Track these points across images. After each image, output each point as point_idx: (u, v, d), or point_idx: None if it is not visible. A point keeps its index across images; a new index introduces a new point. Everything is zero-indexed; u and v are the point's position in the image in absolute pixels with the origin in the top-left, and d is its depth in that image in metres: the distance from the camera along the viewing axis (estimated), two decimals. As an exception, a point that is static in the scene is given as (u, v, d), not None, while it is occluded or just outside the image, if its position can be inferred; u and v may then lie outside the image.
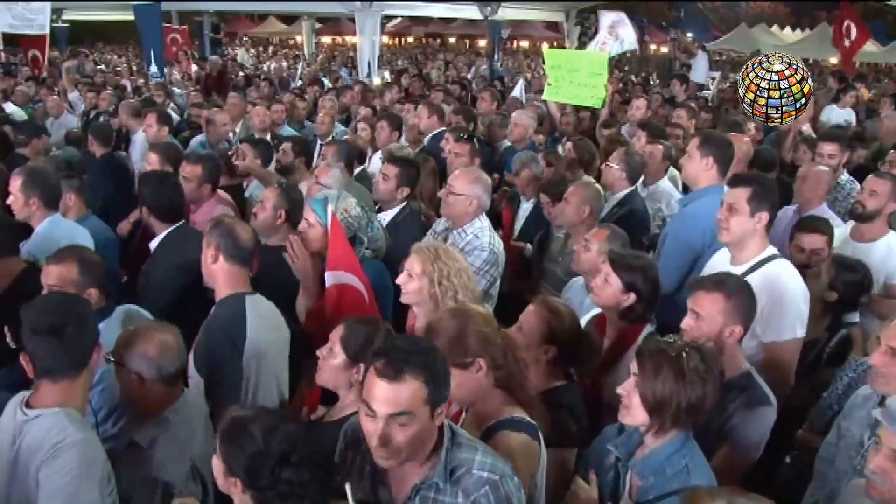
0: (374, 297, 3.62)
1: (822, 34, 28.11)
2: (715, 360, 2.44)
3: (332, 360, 2.80)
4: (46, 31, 11.27)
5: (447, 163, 5.73)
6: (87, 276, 3.21)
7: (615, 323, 3.29)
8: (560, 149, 6.61)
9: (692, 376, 2.32)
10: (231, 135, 7.69)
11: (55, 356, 2.42)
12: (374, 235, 3.96)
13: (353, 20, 18.53)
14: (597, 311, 3.47)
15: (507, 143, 7.35)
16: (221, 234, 3.30)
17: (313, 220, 3.77)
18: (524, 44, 40.36)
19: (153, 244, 4.17)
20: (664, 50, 30.60)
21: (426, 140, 7.05)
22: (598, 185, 4.68)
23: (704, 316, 2.87)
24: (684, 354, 2.34)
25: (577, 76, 7.72)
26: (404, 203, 4.82)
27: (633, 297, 3.22)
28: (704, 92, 13.06)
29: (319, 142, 7.77)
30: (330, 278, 3.58)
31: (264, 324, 3.30)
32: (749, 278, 3.25)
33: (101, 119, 9.36)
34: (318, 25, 32.08)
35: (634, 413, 2.39)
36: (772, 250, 3.53)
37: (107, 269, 3.44)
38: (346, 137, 7.28)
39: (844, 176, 5.80)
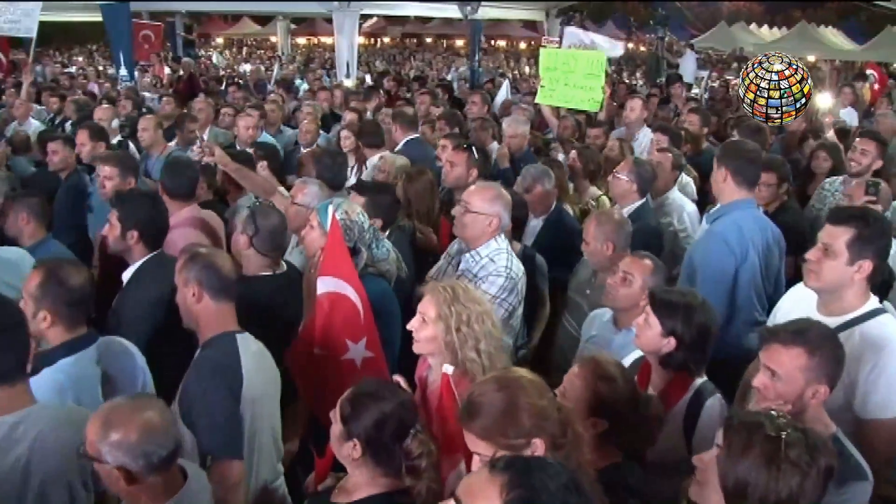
0: (374, 317, 3.18)
1: (801, 32, 28.23)
2: (826, 451, 1.93)
3: (335, 428, 2.37)
4: (34, 34, 10.64)
5: (443, 172, 5.32)
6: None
7: (659, 370, 2.88)
8: (561, 157, 6.18)
9: (789, 466, 1.87)
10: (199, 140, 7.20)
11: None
12: (380, 255, 3.50)
13: (328, 20, 18.06)
14: (639, 353, 3.06)
15: (494, 145, 6.90)
16: (201, 268, 2.87)
17: (315, 223, 3.44)
18: (501, 43, 40.09)
19: (126, 275, 3.67)
20: (642, 49, 30.53)
21: (398, 147, 6.57)
22: (618, 215, 4.20)
23: (782, 375, 2.42)
24: (784, 436, 1.89)
25: (572, 77, 7.34)
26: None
27: (672, 342, 2.81)
28: (693, 91, 12.81)
29: (304, 150, 7.30)
30: (322, 285, 3.16)
31: (257, 366, 2.89)
32: (844, 336, 2.76)
33: (68, 126, 8.88)
34: (293, 26, 31.58)
35: (708, 495, 1.98)
36: (875, 303, 3.00)
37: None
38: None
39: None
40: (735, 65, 22.76)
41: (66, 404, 2.64)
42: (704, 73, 13.89)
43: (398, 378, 2.75)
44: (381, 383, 2.46)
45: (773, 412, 1.96)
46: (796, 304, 3.22)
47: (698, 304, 2.85)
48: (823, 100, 8.28)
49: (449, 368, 2.56)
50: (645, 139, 6.92)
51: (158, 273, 3.51)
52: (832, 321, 2.93)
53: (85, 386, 2.82)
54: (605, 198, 5.65)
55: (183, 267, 2.90)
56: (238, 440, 2.77)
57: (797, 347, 2.41)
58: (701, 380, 2.86)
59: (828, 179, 5.69)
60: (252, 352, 2.91)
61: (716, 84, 14.85)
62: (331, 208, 3.29)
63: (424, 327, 2.80)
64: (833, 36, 28.87)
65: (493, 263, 3.68)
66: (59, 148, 5.95)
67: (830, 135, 6.69)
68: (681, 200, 5.31)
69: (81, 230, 5.43)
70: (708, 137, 7.27)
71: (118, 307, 3.54)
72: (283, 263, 3.72)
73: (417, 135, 6.43)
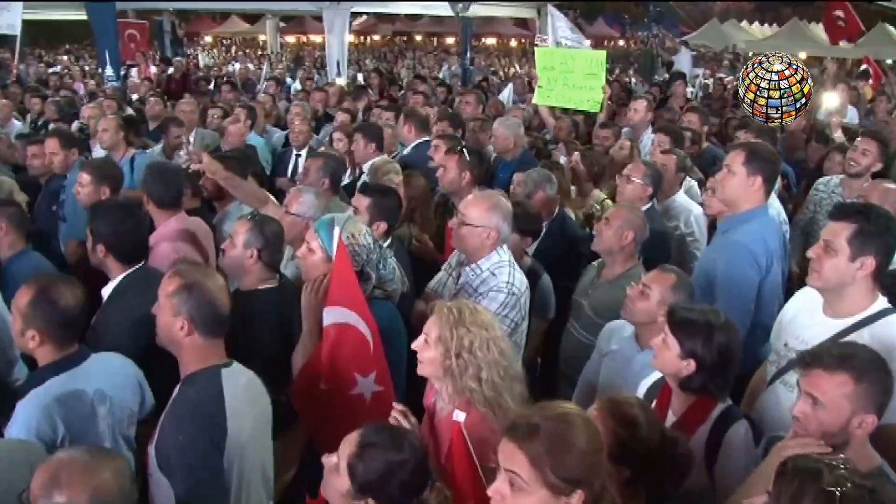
0: (382, 342, 2.97)
1: (792, 29, 28.20)
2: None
3: (336, 481, 2.17)
4: (17, 31, 10.34)
5: (438, 175, 5.12)
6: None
7: (679, 394, 2.69)
8: (563, 159, 5.98)
9: None
10: (185, 145, 6.97)
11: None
12: (387, 275, 3.24)
13: (318, 19, 17.80)
14: (656, 377, 2.87)
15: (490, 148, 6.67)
16: (198, 304, 2.58)
17: (315, 246, 3.13)
18: (492, 41, 39.87)
19: (106, 291, 3.45)
20: (622, 43, 30.41)
21: (407, 150, 6.34)
22: (640, 212, 4.04)
23: (825, 403, 2.21)
24: (841, 493, 1.64)
25: (571, 77, 7.16)
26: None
27: (692, 364, 2.61)
28: (688, 90, 12.63)
29: (295, 153, 7.10)
30: (328, 316, 2.94)
31: (246, 404, 2.63)
32: (852, 339, 2.64)
33: (50, 128, 8.63)
34: (282, 24, 31.29)
35: None
36: (883, 303, 2.85)
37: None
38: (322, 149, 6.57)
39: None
40: (727, 63, 22.60)
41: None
42: (699, 72, 13.75)
43: (402, 409, 2.57)
44: (391, 434, 2.24)
45: (833, 461, 1.73)
46: (803, 306, 3.08)
47: (720, 324, 2.65)
48: (830, 99, 8.10)
49: (461, 416, 2.36)
50: (650, 143, 6.75)
51: (140, 289, 3.27)
52: (839, 323, 2.84)
53: (75, 407, 2.65)
54: (609, 201, 5.46)
55: (175, 293, 2.59)
56: (220, 496, 2.51)
57: (843, 373, 2.21)
58: (724, 405, 2.67)
59: (821, 180, 5.56)
60: (240, 387, 2.63)
61: (709, 82, 14.69)
62: (336, 230, 3.02)
63: (426, 349, 2.60)
64: (824, 33, 28.81)
65: (494, 278, 3.48)
66: (40, 152, 5.71)
67: (839, 135, 6.51)
68: (687, 203, 5.15)
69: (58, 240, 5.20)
70: (708, 137, 7.10)
71: (97, 326, 3.30)
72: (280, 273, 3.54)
73: (429, 137, 6.11)
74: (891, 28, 24.69)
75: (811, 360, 2.29)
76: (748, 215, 3.56)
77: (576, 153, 5.55)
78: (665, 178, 5.05)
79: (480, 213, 3.52)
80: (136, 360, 3.04)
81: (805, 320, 2.97)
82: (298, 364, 3.09)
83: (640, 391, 2.90)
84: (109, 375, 2.83)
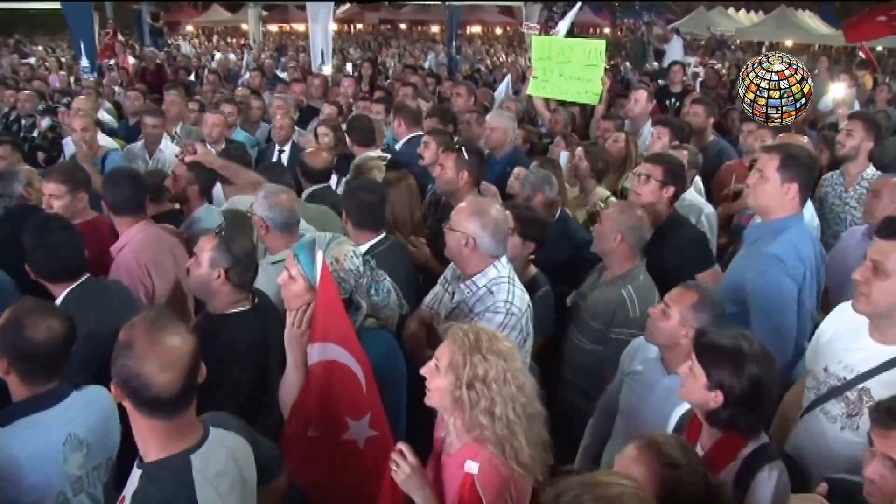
0: (377, 381, 2.64)
1: (779, 18, 28.05)
2: None
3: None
4: None
5: (435, 175, 4.82)
6: None
7: (707, 428, 2.41)
8: (565, 154, 5.67)
9: None
10: (168, 139, 6.62)
11: None
12: (380, 301, 2.86)
13: (301, 7, 17.39)
14: (687, 408, 2.59)
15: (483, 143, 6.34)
16: (136, 388, 1.95)
17: (295, 273, 2.75)
18: (476, 29, 39.45)
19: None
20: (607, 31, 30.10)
21: (399, 145, 6.01)
22: (640, 212, 3.73)
23: None
24: None
25: (568, 68, 6.84)
26: (382, 235, 3.90)
27: (720, 396, 2.34)
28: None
29: (278, 149, 6.75)
30: (313, 354, 2.62)
31: (228, 480, 2.13)
32: None
33: (24, 122, 8.23)
34: (264, 13, 30.79)
35: None
36: None
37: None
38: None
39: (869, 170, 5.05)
40: (717, 52, 22.39)
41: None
42: (692, 60, 13.47)
43: (403, 446, 2.28)
44: None
45: None
46: (843, 326, 2.78)
47: (753, 352, 2.35)
48: (837, 90, 7.82)
49: (473, 467, 2.07)
50: (648, 134, 6.47)
51: (83, 305, 2.99)
52: (888, 350, 2.55)
53: (44, 457, 2.39)
54: (614, 199, 5.18)
55: (112, 362, 2.01)
56: None
57: None
58: (756, 443, 2.37)
59: (825, 176, 5.32)
60: (216, 471, 2.09)
61: (698, 70, 14.42)
62: (319, 256, 2.64)
63: (436, 376, 2.31)
64: (811, 20, 28.69)
65: (491, 296, 3.18)
66: (7, 153, 5.34)
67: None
68: (699, 202, 4.88)
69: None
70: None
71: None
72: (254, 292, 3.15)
73: (422, 132, 5.77)
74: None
75: (885, 413, 1.99)
76: (781, 224, 3.27)
77: (579, 149, 5.24)
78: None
79: (459, 217, 3.25)
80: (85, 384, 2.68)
81: (847, 343, 2.69)
82: (286, 403, 2.74)
83: (672, 421, 2.63)
84: (90, 416, 2.54)
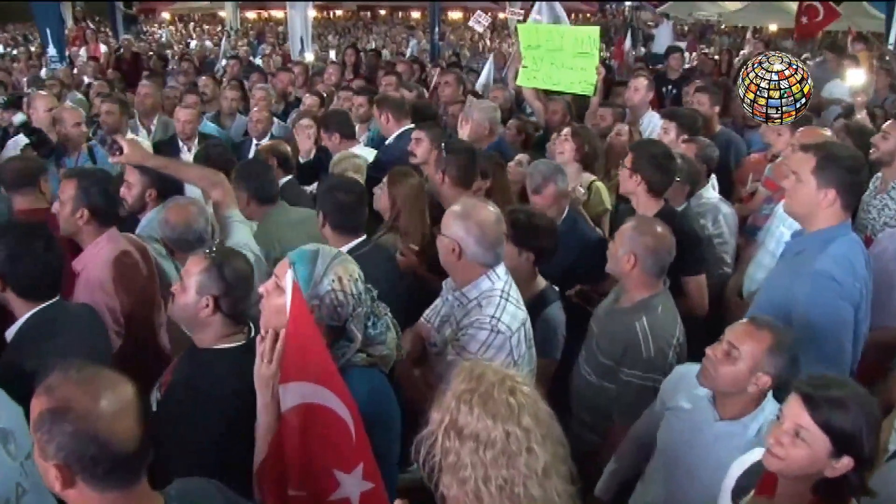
0: (366, 428, 2.21)
1: (763, 2, 27.75)
2: None
3: None
4: None
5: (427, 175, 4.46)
6: None
7: (792, 491, 2.03)
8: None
9: None
10: (143, 132, 6.22)
11: None
12: (377, 336, 2.43)
13: (280, -7, 16.91)
14: (751, 459, 2.23)
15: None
16: (93, 455, 1.56)
17: (284, 283, 2.23)
18: (457, 15, 38.95)
19: (10, 333, 2.73)
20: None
21: (389, 141, 5.54)
22: (661, 229, 3.26)
23: None
24: None
25: (559, 57, 6.46)
26: (361, 238, 3.57)
27: (849, 462, 1.95)
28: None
29: (255, 143, 6.34)
30: (287, 397, 2.18)
31: None
32: None
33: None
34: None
35: None
36: None
37: None
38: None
39: None
40: (704, 36, 22.15)
41: None
42: (682, 45, 13.15)
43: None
44: None
45: None
46: None
47: (866, 400, 1.98)
48: (854, 77, 7.49)
49: None
50: (651, 125, 6.14)
51: (48, 331, 2.63)
52: None
53: None
54: (599, 184, 4.90)
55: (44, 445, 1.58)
56: None
57: None
58: None
59: None
60: None
61: (688, 55, 14.14)
62: (289, 273, 2.18)
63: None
64: (794, 4, 28.51)
65: (479, 310, 2.84)
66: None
67: (863, 115, 5.95)
68: (716, 200, 4.58)
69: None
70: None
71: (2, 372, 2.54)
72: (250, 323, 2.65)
73: (412, 125, 5.31)
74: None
75: None
76: (827, 234, 2.91)
77: (565, 129, 5.02)
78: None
79: (447, 221, 2.95)
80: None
81: None
82: (260, 451, 2.27)
83: (732, 476, 2.26)
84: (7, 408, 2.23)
